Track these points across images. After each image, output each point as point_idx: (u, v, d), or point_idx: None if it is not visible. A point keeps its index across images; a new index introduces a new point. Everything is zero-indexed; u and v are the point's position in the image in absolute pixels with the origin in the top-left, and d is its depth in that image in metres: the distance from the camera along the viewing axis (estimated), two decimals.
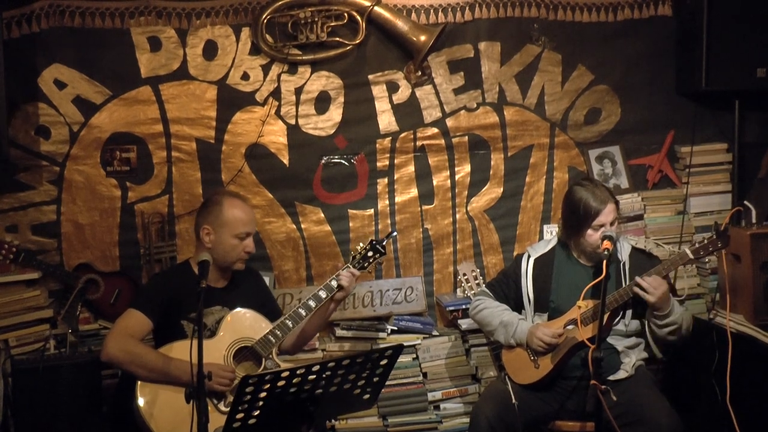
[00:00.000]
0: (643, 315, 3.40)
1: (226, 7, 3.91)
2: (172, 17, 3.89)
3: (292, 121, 4.03)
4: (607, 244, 3.22)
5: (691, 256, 3.27)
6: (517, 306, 3.54)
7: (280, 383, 2.55)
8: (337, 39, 3.95)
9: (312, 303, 3.30)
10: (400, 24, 3.97)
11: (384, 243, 3.48)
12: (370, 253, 3.44)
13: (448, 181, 4.17)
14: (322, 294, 3.32)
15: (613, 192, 3.43)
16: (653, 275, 3.24)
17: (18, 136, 3.79)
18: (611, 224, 3.33)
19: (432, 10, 4.04)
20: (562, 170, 4.24)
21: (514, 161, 4.21)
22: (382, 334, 3.96)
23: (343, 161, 4.09)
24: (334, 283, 3.33)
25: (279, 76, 3.98)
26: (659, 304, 3.23)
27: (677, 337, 3.34)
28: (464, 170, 4.18)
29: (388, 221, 4.13)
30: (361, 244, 3.47)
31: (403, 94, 4.09)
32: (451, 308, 4.01)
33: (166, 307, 3.18)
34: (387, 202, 4.14)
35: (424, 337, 3.99)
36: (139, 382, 3.03)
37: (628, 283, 3.31)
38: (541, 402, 3.36)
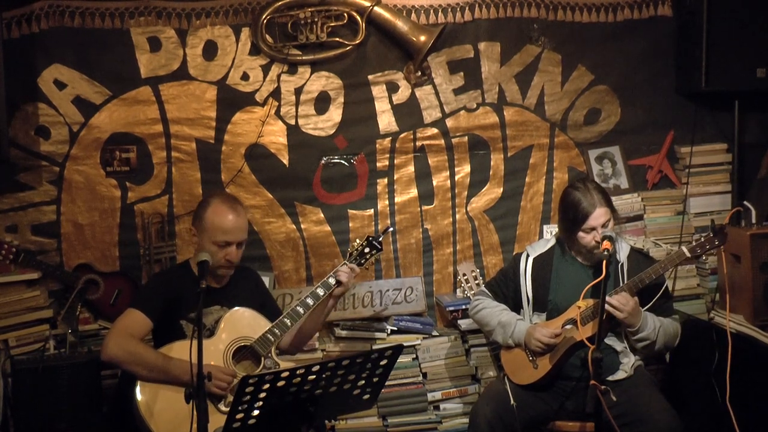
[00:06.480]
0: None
1: (226, 7, 3.92)
2: (172, 17, 3.89)
3: (292, 122, 4.03)
4: (606, 244, 3.21)
5: (689, 255, 3.27)
6: (516, 305, 3.54)
7: (280, 383, 2.54)
8: (337, 39, 3.95)
9: (310, 300, 3.29)
10: (400, 24, 3.97)
11: (380, 239, 3.47)
12: (366, 250, 3.43)
13: (448, 181, 4.17)
14: (320, 291, 3.31)
15: (608, 195, 3.40)
16: (621, 293, 3.23)
17: (18, 136, 3.79)
18: (603, 227, 3.31)
19: (432, 11, 4.05)
20: (561, 170, 4.24)
21: (513, 161, 4.21)
22: (381, 335, 3.95)
23: (342, 161, 4.09)
24: (332, 281, 3.32)
25: (279, 76, 3.98)
26: (629, 320, 3.22)
27: (652, 350, 3.32)
28: (464, 170, 4.18)
29: (388, 221, 4.13)
30: (358, 241, 3.46)
31: (402, 94, 4.09)
32: (451, 308, 4.01)
33: (166, 306, 3.18)
34: (387, 202, 4.14)
35: (423, 338, 3.98)
36: (138, 382, 3.02)
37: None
38: (540, 402, 3.36)
